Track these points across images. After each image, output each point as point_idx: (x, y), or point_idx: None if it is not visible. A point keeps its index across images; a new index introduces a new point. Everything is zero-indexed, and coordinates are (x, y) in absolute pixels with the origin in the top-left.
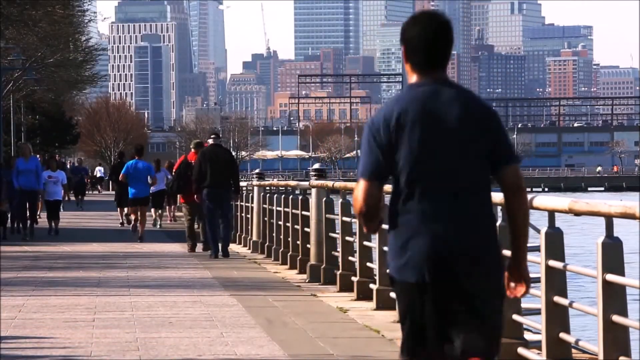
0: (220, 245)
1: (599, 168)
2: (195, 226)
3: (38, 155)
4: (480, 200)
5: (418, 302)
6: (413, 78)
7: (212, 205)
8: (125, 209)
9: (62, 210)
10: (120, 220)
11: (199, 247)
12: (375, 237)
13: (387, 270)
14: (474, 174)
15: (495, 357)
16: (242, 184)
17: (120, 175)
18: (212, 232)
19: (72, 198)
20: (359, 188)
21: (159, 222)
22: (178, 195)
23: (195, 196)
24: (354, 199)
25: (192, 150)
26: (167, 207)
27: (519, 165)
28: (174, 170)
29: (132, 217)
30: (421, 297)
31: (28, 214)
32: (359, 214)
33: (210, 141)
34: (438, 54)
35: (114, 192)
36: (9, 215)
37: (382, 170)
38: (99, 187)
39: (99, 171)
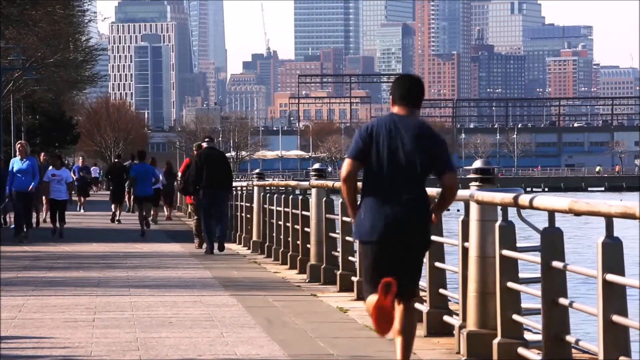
0: (216, 240)
1: (598, 168)
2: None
3: (42, 154)
4: (421, 193)
5: (377, 253)
6: (395, 109)
7: (208, 204)
8: (117, 207)
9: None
10: (111, 217)
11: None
12: None
13: (353, 237)
14: (420, 176)
15: (416, 296)
16: (242, 183)
17: (129, 176)
18: (207, 229)
19: (74, 198)
20: (345, 163)
21: (155, 219)
22: (177, 195)
23: (192, 197)
24: (341, 171)
25: (196, 152)
26: (165, 206)
27: (453, 172)
28: (179, 173)
29: (139, 214)
30: (379, 250)
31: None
32: (343, 180)
33: (205, 144)
34: (412, 97)
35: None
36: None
37: (360, 156)
38: (94, 187)
39: (94, 171)
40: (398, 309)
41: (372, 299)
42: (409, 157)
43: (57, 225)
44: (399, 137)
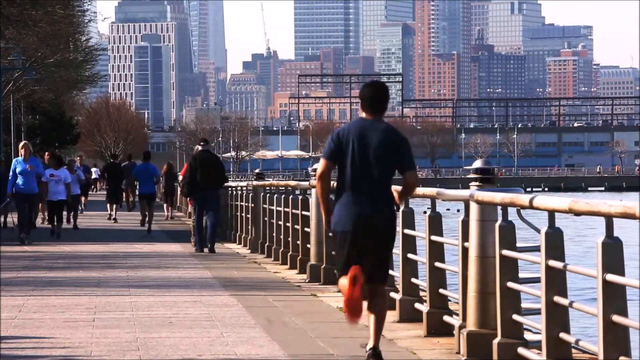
0: (207, 241)
1: (599, 167)
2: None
3: (47, 155)
4: (388, 189)
5: (351, 241)
6: (363, 114)
7: (201, 205)
8: (112, 206)
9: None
10: (109, 214)
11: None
12: None
13: (332, 228)
14: (386, 173)
15: (386, 281)
16: (242, 183)
17: (132, 176)
18: (199, 228)
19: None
20: (320, 163)
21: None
22: (178, 196)
23: (189, 199)
24: (317, 170)
25: None
26: (166, 206)
27: (414, 171)
28: (181, 175)
29: (141, 211)
30: (352, 238)
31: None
32: (318, 177)
33: (199, 147)
34: (378, 105)
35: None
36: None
37: (333, 157)
38: (94, 187)
39: (94, 172)
40: (370, 293)
41: (344, 281)
42: (378, 157)
43: (55, 225)
44: (369, 139)
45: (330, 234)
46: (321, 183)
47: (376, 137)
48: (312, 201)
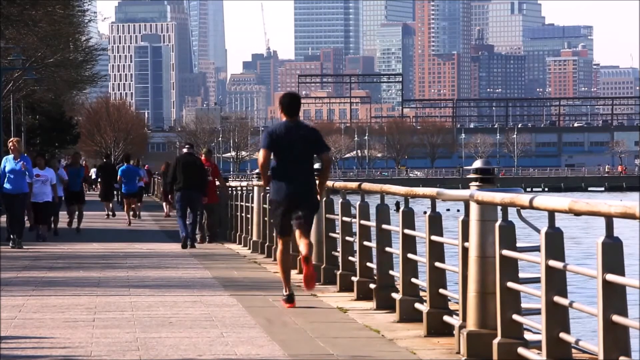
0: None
1: (607, 168)
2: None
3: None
4: (310, 171)
5: (280, 208)
6: (284, 118)
7: (183, 205)
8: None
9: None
10: (107, 213)
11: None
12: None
13: (269, 197)
14: (308, 158)
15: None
16: (242, 183)
17: (118, 177)
18: (183, 226)
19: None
20: (261, 153)
21: (138, 213)
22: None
23: (169, 196)
24: (259, 159)
25: (203, 156)
26: (165, 204)
27: (329, 151)
28: None
29: (126, 207)
30: (285, 206)
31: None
32: (261, 165)
33: (185, 150)
34: (294, 109)
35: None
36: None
37: (271, 147)
38: (94, 187)
39: (94, 172)
40: (301, 237)
41: (281, 242)
42: (300, 147)
43: (40, 228)
44: (293, 135)
45: (268, 193)
46: (264, 169)
47: (298, 133)
48: None
